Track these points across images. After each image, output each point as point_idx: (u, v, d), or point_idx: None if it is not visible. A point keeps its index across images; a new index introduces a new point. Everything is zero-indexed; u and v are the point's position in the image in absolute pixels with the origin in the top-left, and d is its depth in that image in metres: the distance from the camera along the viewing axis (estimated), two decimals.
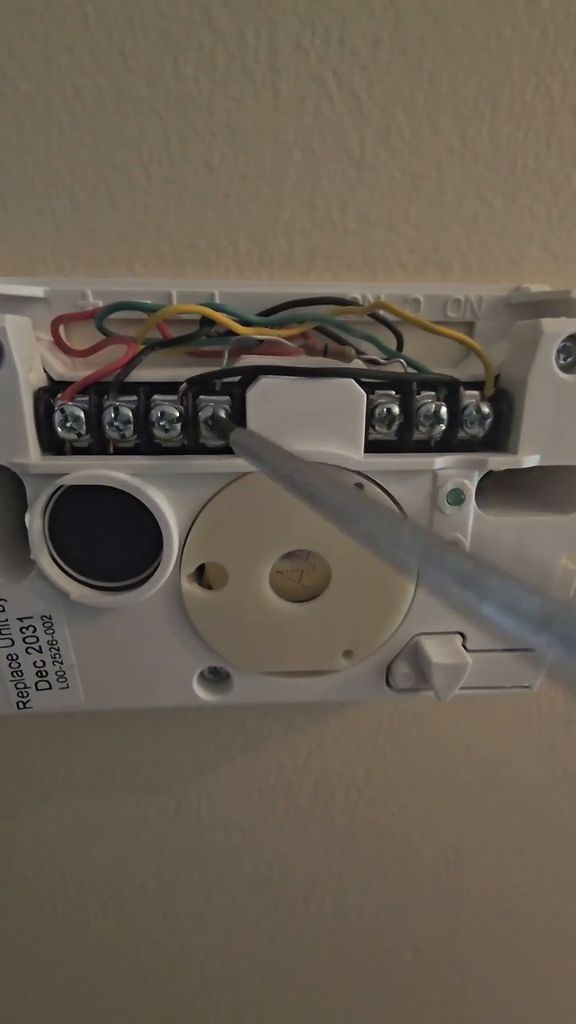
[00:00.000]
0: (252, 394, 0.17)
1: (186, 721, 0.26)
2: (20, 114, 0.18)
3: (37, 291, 0.19)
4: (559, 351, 0.17)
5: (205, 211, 0.20)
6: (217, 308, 0.18)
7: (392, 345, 0.19)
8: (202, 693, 0.20)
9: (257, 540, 0.18)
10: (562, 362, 0.17)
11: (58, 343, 0.19)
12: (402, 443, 0.18)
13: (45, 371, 0.18)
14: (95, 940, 0.32)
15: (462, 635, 0.20)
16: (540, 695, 0.27)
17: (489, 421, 0.18)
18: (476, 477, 0.18)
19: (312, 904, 0.31)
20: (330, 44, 0.18)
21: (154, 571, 0.18)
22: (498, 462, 0.18)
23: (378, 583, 0.19)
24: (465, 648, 0.20)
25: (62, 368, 0.19)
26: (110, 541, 0.18)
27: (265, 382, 0.17)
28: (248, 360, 0.19)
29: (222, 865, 0.30)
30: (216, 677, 0.21)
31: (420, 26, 0.18)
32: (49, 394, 0.17)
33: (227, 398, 0.18)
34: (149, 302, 0.18)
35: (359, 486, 0.18)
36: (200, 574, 0.19)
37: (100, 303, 0.19)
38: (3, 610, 0.18)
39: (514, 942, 0.34)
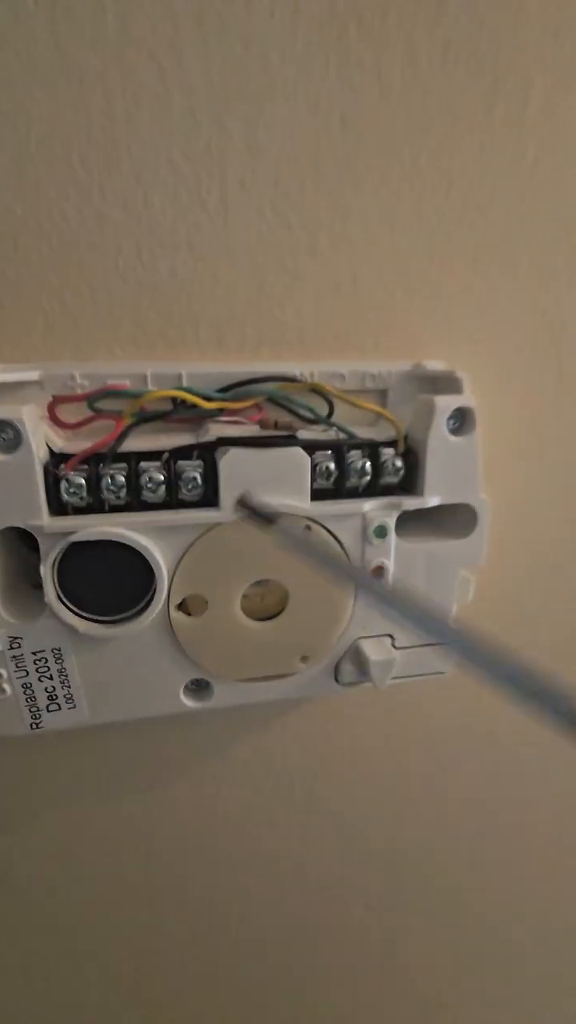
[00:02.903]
0: (224, 461, 0.22)
1: (168, 733, 0.30)
2: (16, 234, 0.22)
3: (32, 375, 0.23)
4: (448, 419, 0.23)
5: (171, 307, 0.24)
6: (186, 390, 0.23)
7: (325, 410, 0.25)
8: (188, 701, 0.25)
9: (230, 574, 0.23)
10: (451, 428, 0.23)
11: (54, 420, 0.23)
12: (338, 491, 0.24)
13: (47, 444, 0.22)
14: (82, 948, 0.34)
15: (391, 636, 0.26)
16: (453, 678, 0.33)
17: (402, 472, 0.24)
18: (395, 515, 0.24)
19: (278, 871, 0.36)
20: (266, 184, 0.23)
21: (147, 605, 0.22)
22: (410, 503, 0.24)
23: (325, 600, 0.24)
24: (394, 647, 0.26)
25: (60, 441, 0.23)
26: (110, 583, 0.22)
27: (234, 453, 0.22)
28: (215, 429, 0.23)
29: (200, 851, 0.34)
30: (199, 687, 0.25)
31: (337, 165, 0.24)
32: (53, 465, 0.21)
33: (200, 463, 0.22)
34: (133, 390, 0.22)
35: (307, 528, 0.23)
36: (182, 604, 0.24)
37: (87, 383, 0.23)
38: (19, 646, 0.22)
39: (454, 912, 0.40)
